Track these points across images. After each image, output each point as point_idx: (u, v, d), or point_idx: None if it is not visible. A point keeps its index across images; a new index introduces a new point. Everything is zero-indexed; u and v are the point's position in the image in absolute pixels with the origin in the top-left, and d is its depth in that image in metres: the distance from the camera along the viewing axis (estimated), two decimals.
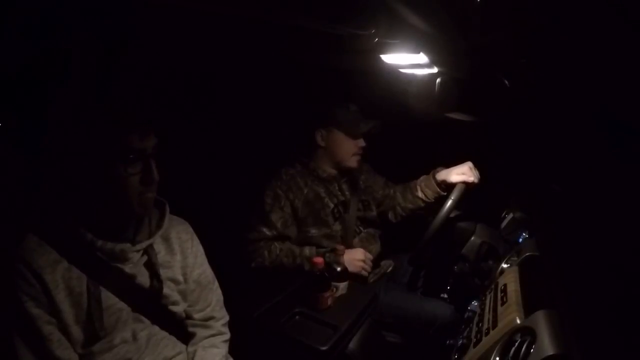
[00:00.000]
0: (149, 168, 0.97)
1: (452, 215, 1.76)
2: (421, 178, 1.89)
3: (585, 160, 1.50)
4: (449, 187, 1.77)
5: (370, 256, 1.71)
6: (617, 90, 1.24)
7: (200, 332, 1.16)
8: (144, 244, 1.04)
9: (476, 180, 1.73)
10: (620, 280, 0.95)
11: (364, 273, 1.69)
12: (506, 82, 1.59)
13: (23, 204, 1.15)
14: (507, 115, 1.79)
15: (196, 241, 1.18)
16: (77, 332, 0.94)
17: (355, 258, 1.66)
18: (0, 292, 0.92)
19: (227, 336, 1.21)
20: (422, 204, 1.88)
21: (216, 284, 1.23)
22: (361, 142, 1.74)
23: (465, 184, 1.72)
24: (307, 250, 1.62)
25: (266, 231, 1.60)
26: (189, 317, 1.16)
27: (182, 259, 1.13)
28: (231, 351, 1.23)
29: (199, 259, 1.17)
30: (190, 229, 1.18)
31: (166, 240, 1.11)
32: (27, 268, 0.90)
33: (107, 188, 0.95)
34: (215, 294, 1.21)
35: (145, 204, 1.00)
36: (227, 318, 1.23)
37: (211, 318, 1.18)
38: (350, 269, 1.59)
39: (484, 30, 1.09)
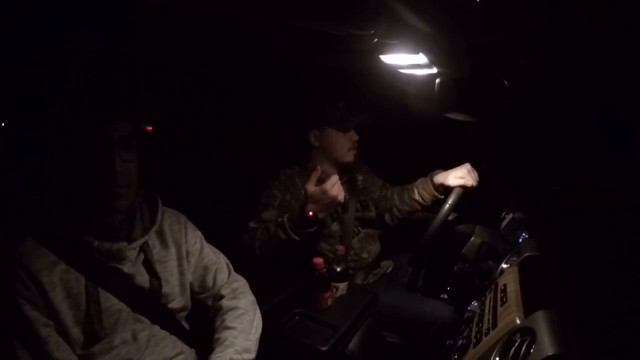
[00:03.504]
0: (110, 159, 0.94)
1: (450, 217, 1.76)
2: (419, 180, 1.89)
3: (584, 161, 1.50)
4: (447, 190, 1.77)
5: (335, 179, 1.50)
6: (617, 90, 1.24)
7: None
8: (140, 242, 1.04)
9: (474, 184, 1.73)
10: (620, 280, 0.96)
11: (340, 198, 1.51)
12: (506, 82, 1.59)
13: (20, 206, 1.15)
14: (507, 115, 1.79)
15: (190, 228, 1.18)
16: (76, 333, 0.94)
17: (326, 189, 1.47)
18: None
19: (241, 310, 1.17)
20: (419, 207, 1.88)
21: (221, 260, 1.23)
22: (354, 136, 1.75)
23: (463, 187, 1.72)
24: (281, 219, 1.53)
25: (252, 224, 1.58)
26: (215, 298, 1.18)
27: (177, 250, 1.13)
28: None
29: (196, 245, 1.17)
30: (182, 218, 1.18)
31: (160, 234, 1.11)
32: (23, 271, 0.90)
33: (74, 177, 0.95)
34: (222, 273, 1.21)
35: (111, 195, 0.96)
36: (240, 287, 1.22)
37: (221, 297, 1.19)
38: (326, 201, 1.48)
39: (484, 30, 1.09)
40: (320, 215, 1.51)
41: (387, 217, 1.97)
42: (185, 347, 1.14)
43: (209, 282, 1.19)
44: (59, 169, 0.97)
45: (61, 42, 1.12)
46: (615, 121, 1.34)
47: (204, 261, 1.18)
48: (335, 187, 1.49)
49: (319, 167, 1.58)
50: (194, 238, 1.18)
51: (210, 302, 1.20)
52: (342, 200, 1.54)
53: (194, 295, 1.18)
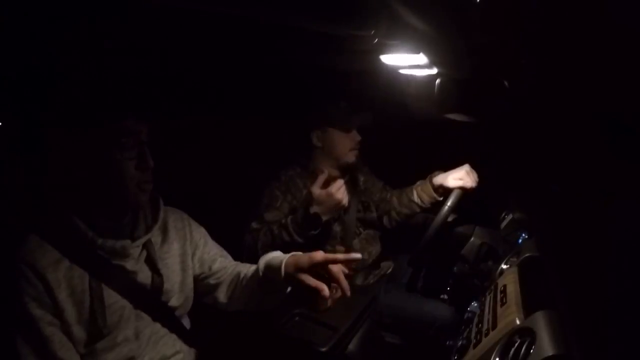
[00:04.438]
0: (143, 153, 0.97)
1: (450, 218, 1.76)
2: (417, 183, 1.89)
3: (585, 160, 1.49)
4: (446, 192, 1.77)
5: (340, 183, 1.54)
6: (617, 90, 1.24)
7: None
8: (143, 239, 1.05)
9: (474, 185, 1.73)
10: (620, 280, 0.95)
11: (345, 202, 1.55)
12: (506, 82, 1.59)
13: (23, 204, 1.15)
14: (507, 115, 1.79)
15: (194, 225, 1.20)
16: (79, 331, 0.95)
17: (331, 192, 1.49)
18: (1, 293, 0.92)
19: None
20: (418, 210, 1.88)
21: (226, 253, 1.26)
22: (356, 136, 1.75)
23: (463, 189, 1.72)
24: (284, 220, 1.54)
25: (255, 225, 1.59)
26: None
27: (180, 246, 1.14)
28: (231, 351, 1.23)
29: (201, 240, 1.19)
30: (185, 216, 1.20)
31: (163, 231, 1.12)
32: (29, 268, 0.90)
33: (103, 175, 0.95)
34: (229, 258, 1.24)
35: (141, 193, 0.99)
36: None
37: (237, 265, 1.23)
38: (330, 204, 1.50)
39: (484, 30, 1.08)
40: (324, 218, 1.51)
41: (385, 220, 1.97)
42: (185, 346, 1.15)
43: (217, 267, 1.20)
44: (68, 167, 0.97)
45: (61, 42, 1.12)
46: (615, 121, 1.34)
47: (211, 253, 1.21)
48: (340, 191, 1.51)
49: (325, 171, 1.59)
50: (199, 234, 1.20)
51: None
52: (346, 204, 1.56)
53: (202, 281, 1.19)
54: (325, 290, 0.96)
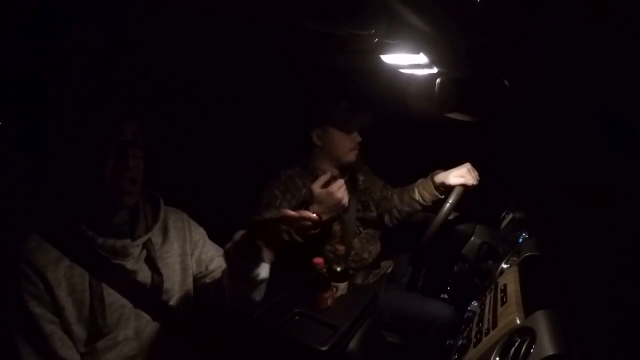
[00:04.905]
0: (123, 153, 0.96)
1: (451, 217, 1.76)
2: (419, 181, 1.89)
3: (585, 160, 1.50)
4: (447, 189, 1.77)
5: (340, 182, 1.53)
6: (617, 90, 1.24)
7: None
8: (143, 239, 1.05)
9: (475, 182, 1.73)
10: (620, 280, 0.96)
11: (345, 202, 1.54)
12: (506, 82, 1.59)
13: (23, 203, 1.15)
14: (507, 115, 1.79)
15: (193, 226, 1.21)
16: (79, 329, 0.95)
17: (332, 192, 1.48)
18: (2, 292, 0.92)
19: None
20: (419, 207, 1.87)
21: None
22: (357, 137, 1.75)
23: (464, 186, 1.72)
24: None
25: None
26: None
27: (180, 246, 1.14)
28: (231, 351, 1.23)
29: (200, 241, 1.20)
30: (185, 216, 1.20)
31: (164, 231, 1.12)
32: (29, 267, 0.91)
33: (82, 173, 0.95)
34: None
35: (120, 191, 0.98)
36: None
37: None
38: (330, 203, 1.50)
39: (484, 30, 1.08)
40: (324, 217, 1.51)
41: (386, 219, 1.97)
42: (185, 345, 1.15)
43: (214, 267, 1.20)
44: (63, 166, 0.98)
45: (61, 42, 1.12)
46: (615, 121, 1.34)
47: (208, 254, 1.21)
48: (340, 190, 1.50)
49: (328, 172, 1.59)
50: (198, 234, 1.21)
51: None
52: (347, 204, 1.56)
53: (199, 280, 1.19)
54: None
